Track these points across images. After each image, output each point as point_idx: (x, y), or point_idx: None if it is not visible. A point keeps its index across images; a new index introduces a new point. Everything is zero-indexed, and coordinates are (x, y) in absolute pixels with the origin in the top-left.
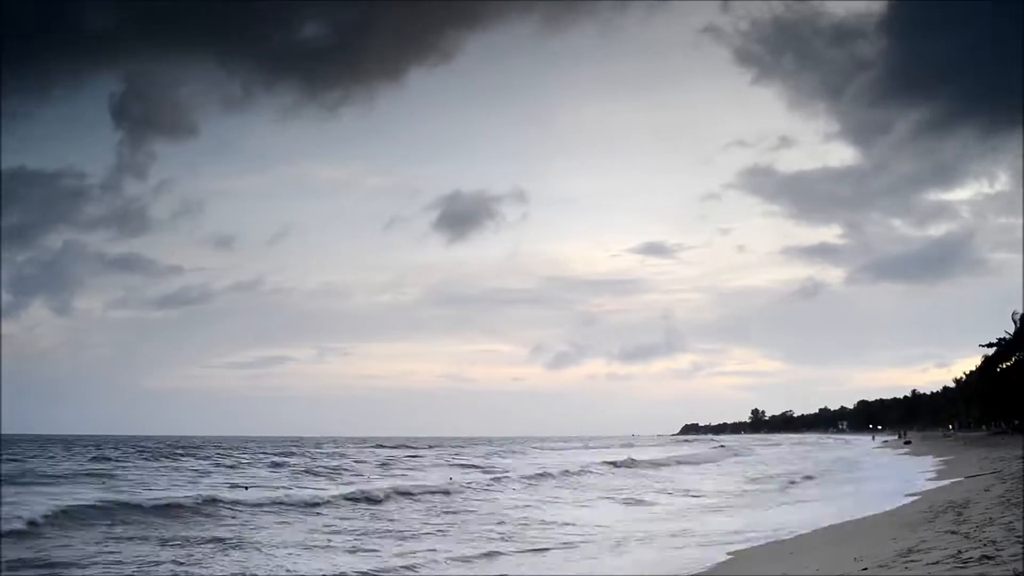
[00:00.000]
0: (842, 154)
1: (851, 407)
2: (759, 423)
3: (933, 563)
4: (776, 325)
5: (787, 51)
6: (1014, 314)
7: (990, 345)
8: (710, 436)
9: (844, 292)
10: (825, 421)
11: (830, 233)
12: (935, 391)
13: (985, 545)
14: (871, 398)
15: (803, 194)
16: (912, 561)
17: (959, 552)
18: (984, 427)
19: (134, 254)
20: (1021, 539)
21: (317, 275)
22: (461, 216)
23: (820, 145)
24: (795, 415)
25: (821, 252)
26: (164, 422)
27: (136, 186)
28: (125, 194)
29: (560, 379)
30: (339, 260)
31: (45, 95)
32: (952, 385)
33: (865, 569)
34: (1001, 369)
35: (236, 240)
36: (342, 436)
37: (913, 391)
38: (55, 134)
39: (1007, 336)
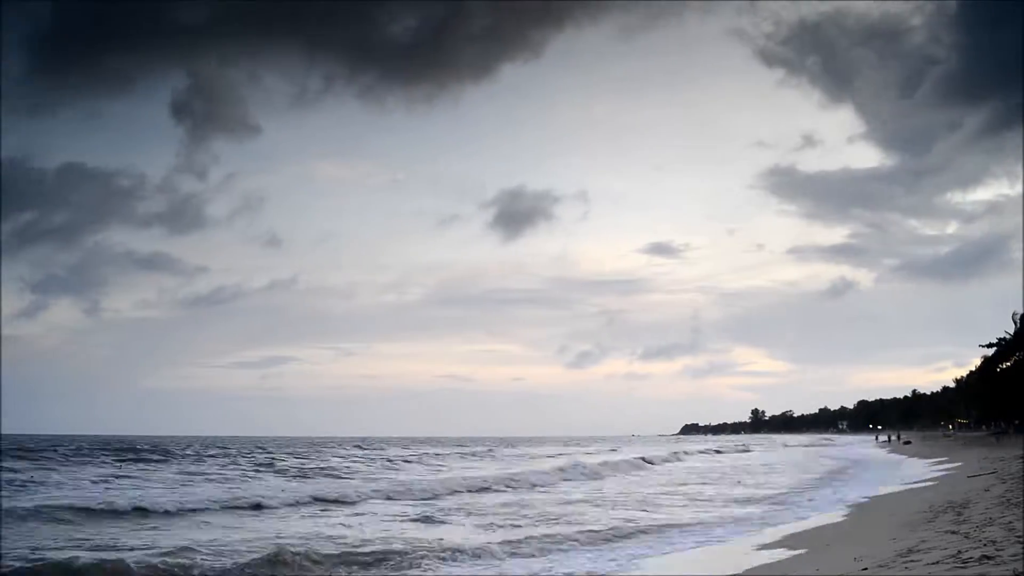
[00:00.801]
0: (866, 154)
1: (851, 407)
2: (759, 423)
3: (933, 563)
4: (778, 326)
5: (813, 52)
6: (1014, 314)
7: (990, 345)
8: (709, 436)
9: (853, 292)
10: (825, 421)
11: (843, 233)
12: (935, 391)
13: (985, 545)
14: (871, 398)
15: (821, 194)
16: (912, 561)
17: (959, 552)
18: (984, 427)
19: (163, 253)
20: (1021, 539)
21: (361, 275)
22: (518, 214)
23: (844, 146)
24: (795, 415)
25: (835, 252)
26: (166, 422)
27: (193, 184)
28: (181, 192)
29: (560, 379)
30: (390, 259)
31: (112, 91)
32: (952, 385)
33: (865, 569)
34: (1001, 369)
35: (286, 239)
36: (412, 436)
37: (913, 391)
38: (117, 131)
39: (1007, 336)
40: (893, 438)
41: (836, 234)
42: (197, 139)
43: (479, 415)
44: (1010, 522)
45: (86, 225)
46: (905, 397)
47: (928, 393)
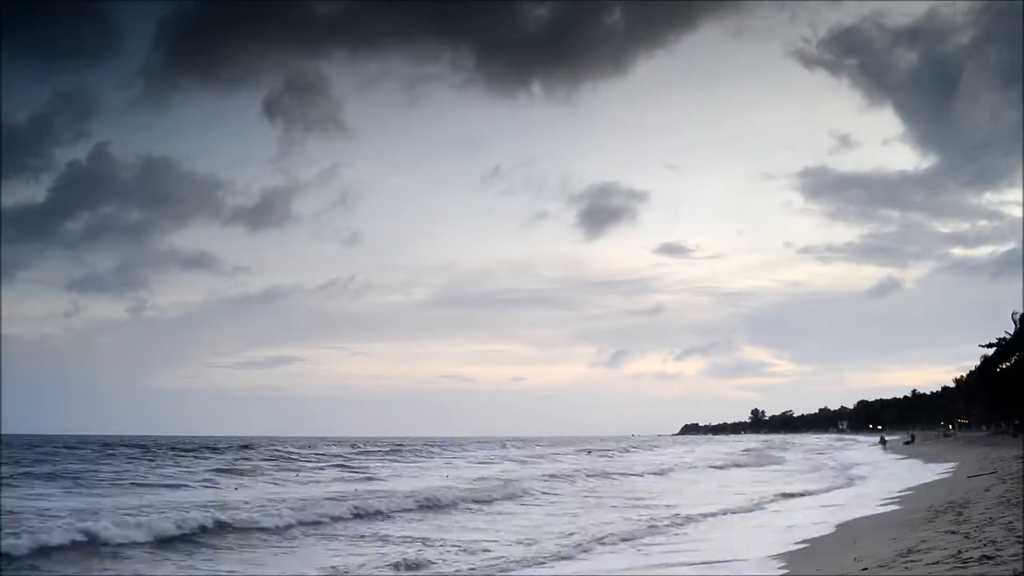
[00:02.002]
0: (902, 157)
1: (851, 407)
2: (759, 423)
3: (933, 563)
4: (781, 326)
5: (851, 53)
6: (1014, 314)
7: (990, 345)
8: (710, 436)
9: (860, 293)
10: (825, 421)
11: (862, 234)
12: (935, 391)
13: (985, 545)
14: (871, 398)
15: (849, 194)
16: (912, 561)
17: (959, 552)
18: (984, 427)
19: (206, 252)
20: (1021, 539)
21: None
22: (602, 212)
23: (880, 147)
24: (795, 415)
25: (852, 253)
26: (167, 422)
27: (282, 181)
28: (267, 189)
29: (560, 379)
30: (477, 257)
31: (210, 86)
32: (952, 385)
33: (865, 569)
34: (1001, 369)
35: (366, 238)
36: (453, 436)
37: (913, 391)
38: (211, 126)
39: (1007, 336)
40: (895, 438)
41: (854, 234)
42: (290, 137)
43: (481, 415)
44: (1010, 522)
45: (157, 222)
46: (905, 397)
47: (928, 393)
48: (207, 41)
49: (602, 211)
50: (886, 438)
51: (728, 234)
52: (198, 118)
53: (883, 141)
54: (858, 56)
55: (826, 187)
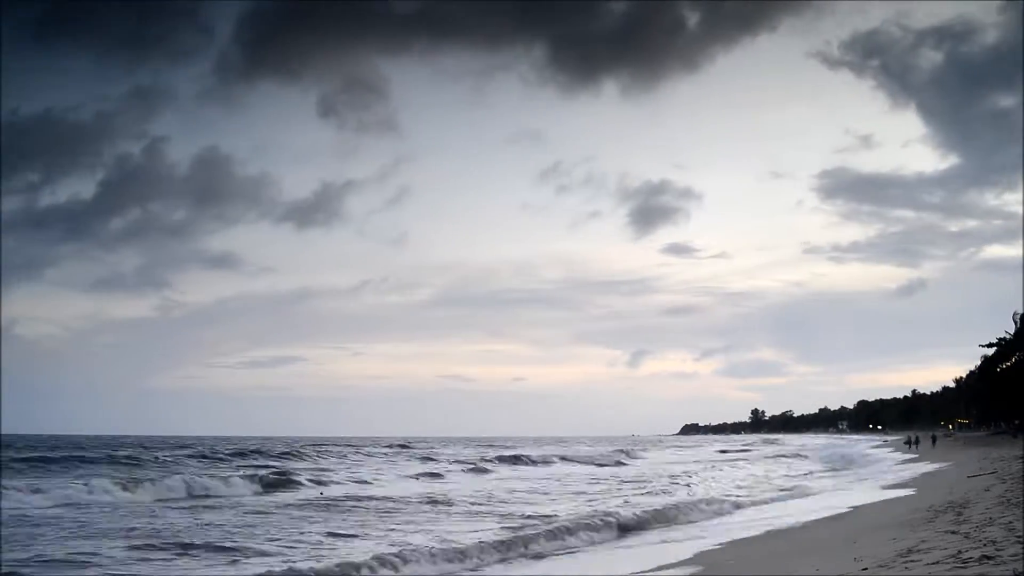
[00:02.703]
0: (922, 157)
1: (851, 407)
2: (759, 423)
3: (933, 563)
4: (783, 326)
5: (876, 54)
6: (1014, 314)
7: (990, 345)
8: (710, 436)
9: (865, 293)
10: (825, 421)
11: (870, 235)
12: (935, 391)
13: (985, 545)
14: (871, 398)
15: (861, 194)
16: (912, 561)
17: (959, 552)
18: (984, 427)
19: (233, 253)
20: (1021, 539)
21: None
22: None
23: (901, 148)
24: (795, 415)
25: (856, 251)
26: (169, 422)
27: (335, 179)
28: (319, 188)
29: (560, 378)
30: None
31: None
32: (952, 385)
33: (865, 569)
34: (1001, 369)
35: (411, 237)
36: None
37: (913, 391)
38: (271, 123)
39: (1007, 336)
40: (895, 438)
41: (865, 234)
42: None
43: (477, 415)
44: (1010, 522)
45: (200, 221)
46: (905, 397)
47: (928, 393)
48: (281, 37)
49: (652, 210)
50: (888, 438)
51: (736, 233)
52: (260, 115)
53: (904, 142)
54: (881, 57)
55: (841, 187)
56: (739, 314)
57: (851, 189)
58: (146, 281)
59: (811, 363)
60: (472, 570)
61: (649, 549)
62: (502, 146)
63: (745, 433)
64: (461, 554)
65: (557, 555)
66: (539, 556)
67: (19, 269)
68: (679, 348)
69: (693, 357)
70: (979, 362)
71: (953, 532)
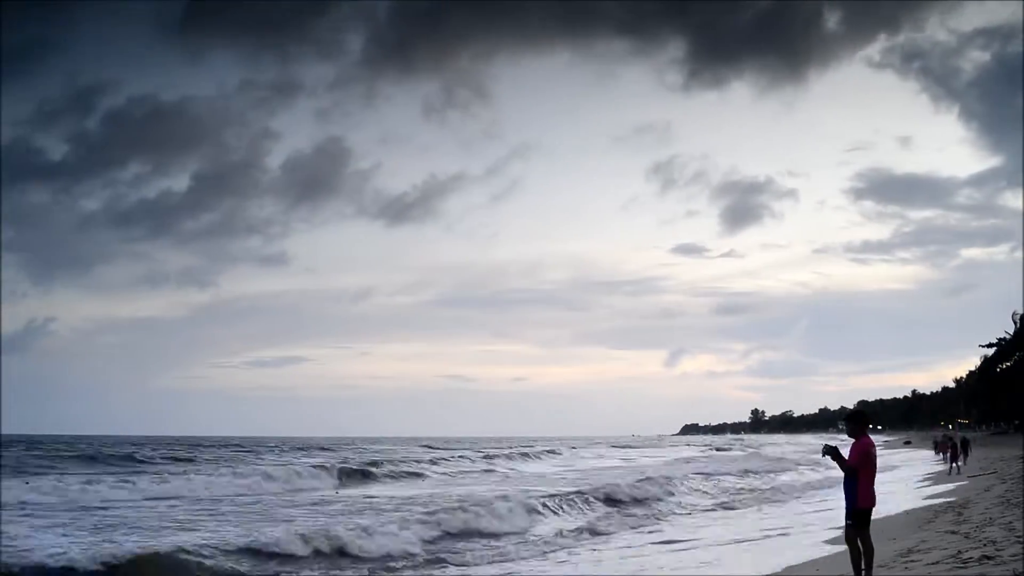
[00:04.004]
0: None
1: (851, 407)
2: (759, 423)
3: (933, 563)
4: (784, 326)
5: (917, 57)
6: (1014, 314)
7: (990, 345)
8: (710, 436)
9: (868, 293)
10: (825, 421)
11: (885, 234)
12: (935, 391)
13: (985, 545)
14: (871, 398)
15: (883, 193)
16: (912, 561)
17: (959, 552)
18: (984, 427)
19: (282, 253)
20: (1021, 539)
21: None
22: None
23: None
24: (795, 415)
25: (868, 251)
26: (171, 422)
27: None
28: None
29: (560, 378)
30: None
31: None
32: (952, 385)
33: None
34: (1001, 369)
35: (503, 235)
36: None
37: (913, 391)
38: (388, 121)
39: (1007, 336)
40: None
41: (883, 233)
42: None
43: (478, 415)
44: (1010, 522)
45: (283, 218)
46: (905, 397)
47: (928, 393)
48: (413, 34)
49: (743, 209)
50: (887, 439)
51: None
52: (378, 112)
53: (941, 143)
54: (924, 59)
55: (871, 188)
56: (741, 314)
57: (878, 190)
58: (190, 280)
59: (812, 363)
60: None
61: None
62: (613, 143)
63: (745, 433)
64: None
65: None
66: None
67: (68, 265)
68: (678, 347)
69: (693, 358)
70: (979, 362)
71: (953, 532)
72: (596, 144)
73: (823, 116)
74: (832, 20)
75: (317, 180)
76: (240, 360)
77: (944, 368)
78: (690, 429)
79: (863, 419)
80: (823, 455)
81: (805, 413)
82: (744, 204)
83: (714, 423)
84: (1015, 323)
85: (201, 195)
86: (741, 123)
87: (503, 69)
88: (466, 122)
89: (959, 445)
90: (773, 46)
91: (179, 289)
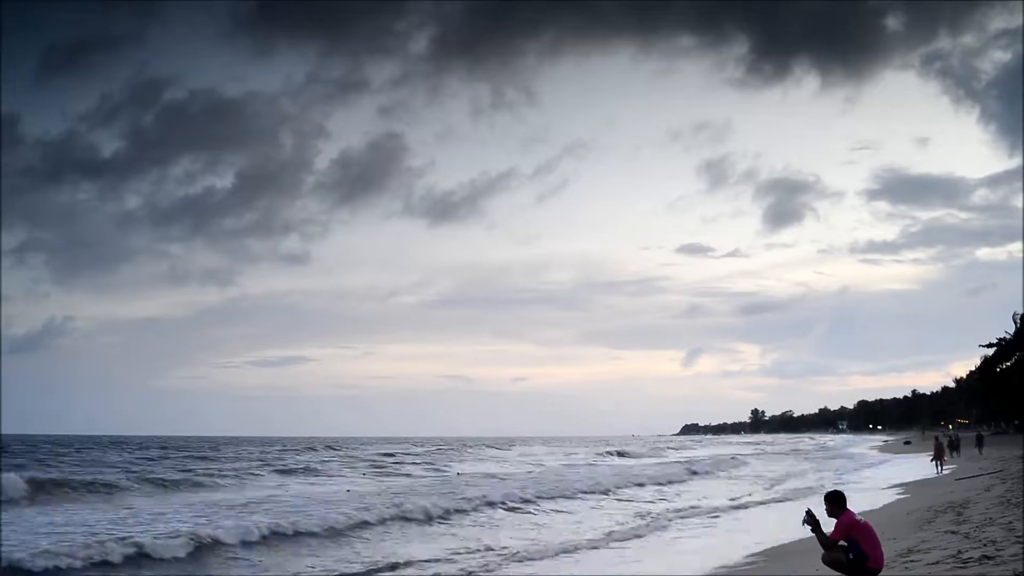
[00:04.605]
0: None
1: (851, 407)
2: (759, 423)
3: (933, 563)
4: (786, 325)
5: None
6: (1014, 314)
7: (990, 345)
8: (710, 436)
9: (871, 293)
10: (825, 421)
11: (891, 234)
12: (935, 391)
13: (985, 545)
14: (871, 398)
15: (894, 193)
16: (912, 561)
17: (959, 552)
18: (984, 427)
19: (305, 252)
20: (1021, 539)
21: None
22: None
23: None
24: (795, 415)
25: (869, 252)
26: (172, 422)
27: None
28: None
29: (560, 378)
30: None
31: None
32: (952, 385)
33: None
34: (1001, 369)
35: (545, 235)
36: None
37: (913, 391)
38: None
39: (1007, 336)
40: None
41: (892, 233)
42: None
43: (477, 414)
44: (1010, 522)
45: (321, 218)
46: (905, 397)
47: (928, 393)
48: (479, 32)
49: (785, 208)
50: (888, 439)
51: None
52: (441, 110)
53: (959, 143)
54: (944, 60)
55: (884, 189)
56: (744, 314)
57: (892, 191)
58: (211, 279)
59: (812, 362)
60: None
61: None
62: (667, 140)
63: (745, 433)
64: None
65: None
66: None
67: (93, 264)
68: (677, 347)
69: (693, 357)
70: (979, 362)
71: (953, 532)
72: (650, 142)
73: (879, 115)
74: (893, 20)
75: (366, 178)
76: (253, 357)
77: (954, 369)
78: (690, 429)
79: (843, 500)
80: (803, 523)
81: (805, 413)
82: (786, 204)
83: (714, 423)
84: (1015, 323)
85: (244, 193)
86: (798, 121)
87: (565, 66)
88: (523, 119)
89: (944, 445)
90: (833, 44)
91: (201, 288)
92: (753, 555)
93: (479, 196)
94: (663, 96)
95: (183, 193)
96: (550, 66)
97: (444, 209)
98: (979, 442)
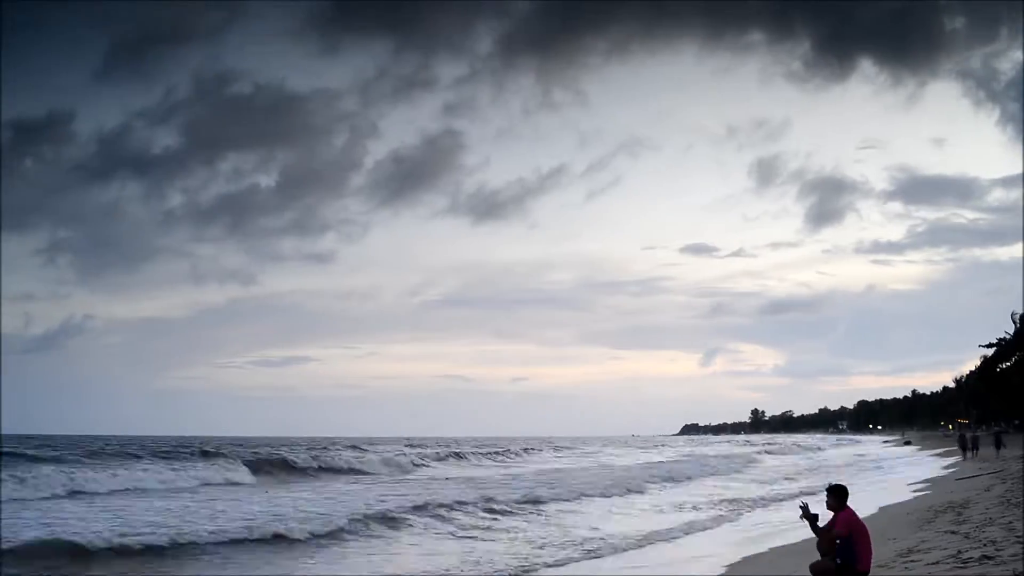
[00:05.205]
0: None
1: (851, 407)
2: (759, 423)
3: (933, 563)
4: (786, 325)
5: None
6: (1013, 314)
7: (990, 345)
8: (710, 436)
9: (871, 293)
10: (825, 421)
11: (897, 233)
12: (935, 391)
13: (985, 545)
14: (871, 398)
15: (902, 193)
16: (912, 561)
17: (959, 552)
18: (984, 427)
19: (333, 252)
20: (1021, 539)
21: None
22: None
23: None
24: (795, 415)
25: (871, 252)
26: (171, 423)
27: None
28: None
29: (561, 378)
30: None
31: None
32: (952, 385)
33: None
34: (1001, 369)
35: (584, 235)
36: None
37: (913, 391)
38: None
39: (1007, 336)
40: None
41: (896, 233)
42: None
43: (477, 414)
44: (1010, 522)
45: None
46: (905, 397)
47: (928, 393)
48: (546, 29)
49: (827, 208)
50: (887, 439)
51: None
52: (503, 108)
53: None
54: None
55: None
56: (746, 314)
57: (903, 191)
58: (232, 278)
59: (813, 362)
60: None
61: None
62: (721, 138)
63: (745, 433)
64: None
65: None
66: None
67: (116, 263)
68: (678, 347)
69: (693, 357)
70: (979, 362)
71: (953, 532)
72: (704, 139)
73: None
74: (955, 21)
75: (414, 177)
76: (277, 354)
77: (968, 370)
78: (690, 429)
79: (845, 494)
80: (801, 517)
81: (805, 413)
82: (828, 203)
83: (714, 423)
84: (1015, 323)
85: (287, 191)
86: (854, 119)
87: (630, 63)
88: (580, 117)
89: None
90: (896, 44)
91: (221, 287)
92: None
93: (526, 194)
94: (723, 93)
95: (225, 191)
96: (617, 63)
97: (489, 207)
98: (998, 441)
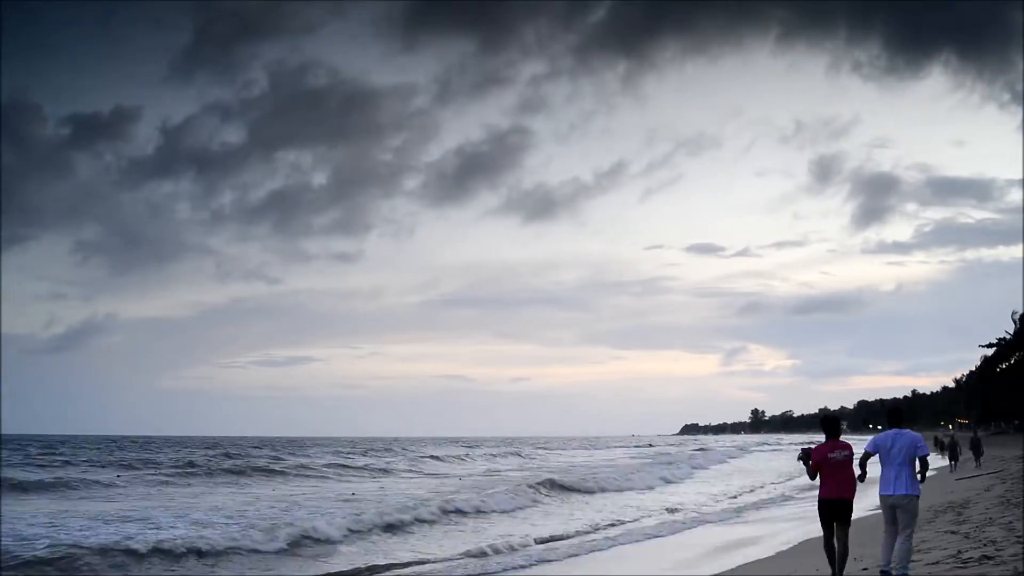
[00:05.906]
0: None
1: (851, 407)
2: (759, 423)
3: (933, 563)
4: (785, 325)
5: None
6: (1013, 314)
7: (990, 345)
8: (710, 436)
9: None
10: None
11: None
12: (935, 391)
13: (985, 545)
14: (871, 398)
15: (912, 193)
16: (912, 561)
17: (959, 552)
18: (983, 427)
19: (356, 251)
20: (1021, 539)
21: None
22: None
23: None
24: (795, 415)
25: (871, 253)
26: (172, 423)
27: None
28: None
29: (561, 378)
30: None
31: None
32: (952, 385)
33: (865, 569)
34: (1001, 369)
35: (626, 236)
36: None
37: (913, 391)
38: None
39: (1007, 336)
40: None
41: (897, 233)
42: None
43: (477, 414)
44: (1010, 522)
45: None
46: (905, 397)
47: (928, 393)
48: (623, 29)
49: (873, 208)
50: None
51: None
52: (571, 107)
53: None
54: (979, 61)
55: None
56: (747, 313)
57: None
58: (253, 275)
59: (813, 362)
60: None
61: None
62: (787, 136)
63: (745, 433)
64: None
65: None
66: None
67: (145, 262)
68: (678, 346)
69: (693, 357)
70: (979, 362)
71: (953, 532)
72: (767, 136)
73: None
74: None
75: (473, 174)
76: (302, 352)
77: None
78: (690, 429)
79: (832, 427)
80: (798, 459)
81: (805, 413)
82: (875, 203)
83: (714, 423)
84: (1015, 323)
85: (337, 189)
86: (920, 117)
87: (702, 61)
88: (646, 115)
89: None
90: (964, 42)
91: (247, 284)
92: None
93: (580, 193)
94: (791, 91)
95: (275, 188)
96: (692, 62)
97: (544, 206)
98: (976, 449)
